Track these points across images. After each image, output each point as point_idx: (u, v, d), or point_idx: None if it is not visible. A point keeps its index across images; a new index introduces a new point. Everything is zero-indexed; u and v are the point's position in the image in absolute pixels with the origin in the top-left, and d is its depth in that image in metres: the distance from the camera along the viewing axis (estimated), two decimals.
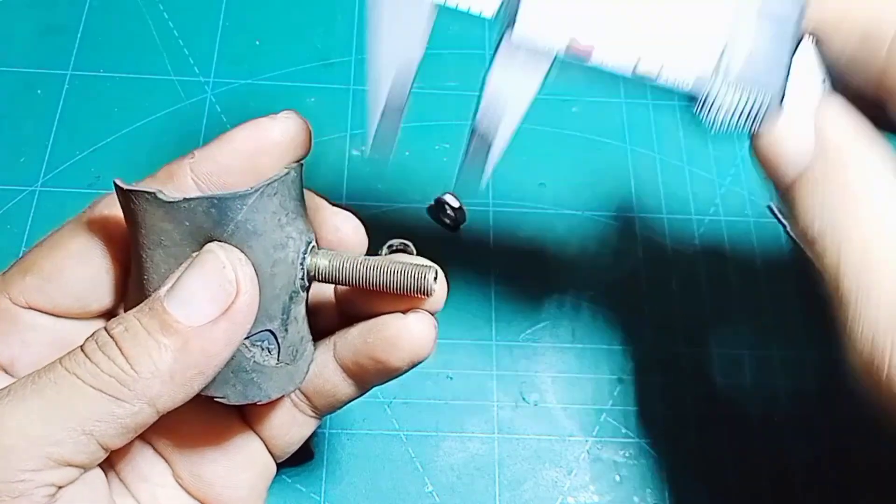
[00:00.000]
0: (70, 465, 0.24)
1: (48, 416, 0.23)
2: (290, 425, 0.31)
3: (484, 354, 0.44)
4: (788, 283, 0.47)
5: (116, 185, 0.27)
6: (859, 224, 0.24)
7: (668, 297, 0.46)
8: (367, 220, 0.47)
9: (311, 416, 0.32)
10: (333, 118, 0.50)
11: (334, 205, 0.32)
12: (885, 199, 0.24)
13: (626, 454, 0.42)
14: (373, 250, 0.46)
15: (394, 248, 0.46)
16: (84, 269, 0.29)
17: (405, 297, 0.29)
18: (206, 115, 0.50)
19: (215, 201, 0.26)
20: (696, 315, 0.46)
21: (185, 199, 0.26)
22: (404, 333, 0.29)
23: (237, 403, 0.28)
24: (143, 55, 0.52)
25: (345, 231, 0.30)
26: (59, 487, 0.24)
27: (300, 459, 0.40)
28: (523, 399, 0.43)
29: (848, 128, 0.24)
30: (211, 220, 0.26)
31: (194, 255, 0.26)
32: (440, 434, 0.42)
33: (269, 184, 0.27)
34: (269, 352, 0.28)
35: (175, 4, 0.54)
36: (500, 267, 0.46)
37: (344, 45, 0.53)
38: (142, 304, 0.25)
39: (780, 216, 0.49)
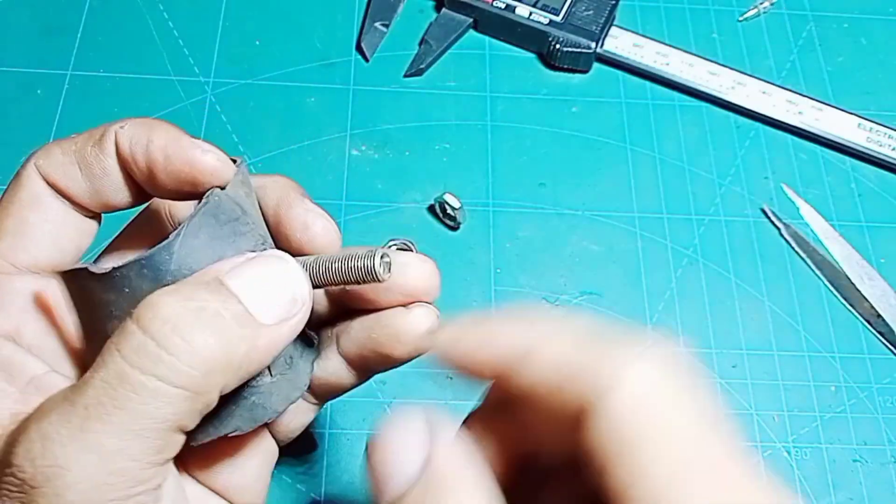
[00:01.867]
0: (168, 461, 0.24)
1: (142, 430, 0.22)
2: (293, 413, 0.31)
3: None
4: (788, 283, 0.47)
5: (55, 272, 0.27)
6: None
7: (668, 296, 0.46)
8: (367, 219, 0.47)
9: (313, 404, 0.32)
10: (333, 118, 0.50)
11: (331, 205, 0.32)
12: None
13: None
14: None
15: (394, 247, 0.46)
16: (46, 212, 0.28)
17: (390, 291, 0.29)
18: (206, 115, 0.50)
19: (143, 262, 0.25)
20: (696, 314, 0.46)
21: (113, 268, 0.25)
22: (409, 328, 0.29)
23: (251, 429, 0.28)
24: (143, 55, 0.52)
25: (314, 230, 0.29)
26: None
27: (303, 451, 0.40)
28: None
29: (458, 457, 0.23)
30: (147, 281, 0.25)
31: (259, 253, 0.26)
32: None
33: (188, 224, 0.26)
34: (260, 371, 0.27)
35: (175, 4, 0.54)
36: (500, 267, 0.46)
37: (344, 45, 0.53)
38: (203, 284, 0.24)
39: (773, 218, 0.49)
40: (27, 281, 0.28)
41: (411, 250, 0.46)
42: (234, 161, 0.28)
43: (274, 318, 0.25)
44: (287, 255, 0.26)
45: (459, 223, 0.47)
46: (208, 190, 0.27)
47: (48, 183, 0.28)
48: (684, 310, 0.46)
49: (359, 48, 0.53)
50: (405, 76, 0.52)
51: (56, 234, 0.28)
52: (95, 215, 0.29)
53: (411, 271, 0.29)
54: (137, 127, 0.27)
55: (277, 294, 0.25)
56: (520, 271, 0.46)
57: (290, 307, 0.25)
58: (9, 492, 0.22)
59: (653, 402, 0.21)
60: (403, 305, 0.29)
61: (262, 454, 0.31)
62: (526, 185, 0.49)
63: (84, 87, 0.50)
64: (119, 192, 0.28)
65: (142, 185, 0.28)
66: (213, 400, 0.24)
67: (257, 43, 0.53)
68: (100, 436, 0.22)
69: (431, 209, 0.48)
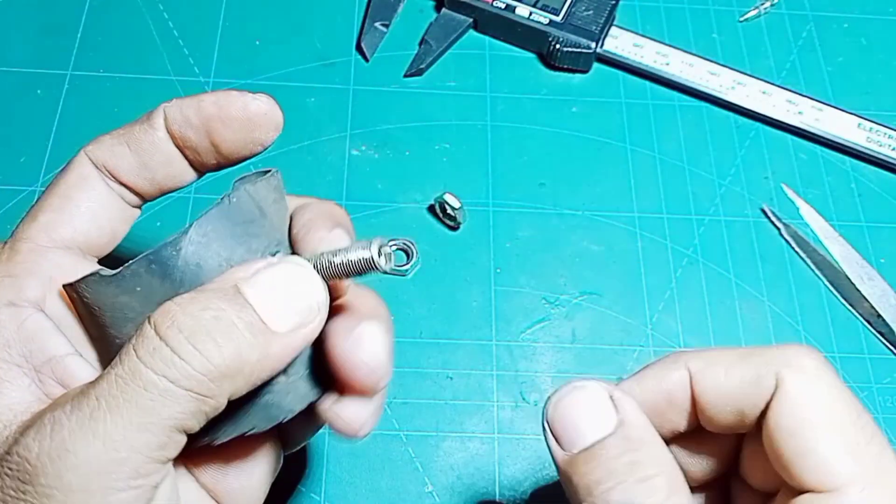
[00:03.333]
0: (168, 461, 0.24)
1: (148, 424, 0.23)
2: (303, 423, 0.31)
3: (484, 354, 0.44)
4: (788, 283, 0.47)
5: (63, 286, 0.27)
6: (644, 498, 0.25)
7: (668, 296, 0.46)
8: (367, 219, 0.47)
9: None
10: (333, 118, 0.50)
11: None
12: (667, 484, 0.25)
13: None
14: None
15: (394, 247, 0.46)
16: (90, 192, 0.29)
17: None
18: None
19: (151, 257, 0.26)
20: (696, 314, 0.46)
21: (124, 267, 0.26)
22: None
23: (268, 429, 0.28)
24: (143, 55, 0.52)
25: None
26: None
27: (303, 451, 0.41)
28: (523, 399, 0.43)
29: (642, 415, 0.27)
30: (158, 277, 0.26)
31: (279, 260, 0.26)
32: (440, 434, 0.42)
33: (197, 220, 0.26)
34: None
35: (175, 4, 0.54)
36: (500, 267, 0.46)
37: (344, 45, 0.53)
38: (221, 293, 0.25)
39: (773, 218, 0.49)
40: (61, 256, 0.28)
41: (411, 250, 0.46)
42: (269, 171, 0.29)
43: (288, 325, 0.25)
44: (306, 262, 0.27)
45: (459, 223, 0.47)
46: (260, 150, 0.29)
47: (96, 165, 0.29)
48: (684, 310, 0.46)
49: (359, 48, 0.53)
50: (405, 76, 0.52)
51: (96, 214, 0.29)
52: (138, 205, 0.31)
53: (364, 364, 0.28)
54: (185, 98, 0.29)
55: (294, 302, 0.26)
56: (520, 271, 0.46)
57: (307, 315, 0.26)
58: (10, 471, 0.23)
59: (820, 387, 0.26)
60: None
61: (269, 461, 0.31)
62: (526, 185, 0.49)
63: (84, 87, 0.50)
64: (169, 166, 0.30)
65: (194, 154, 0.30)
66: (222, 404, 0.24)
67: (257, 43, 0.53)
68: (107, 425, 0.23)
69: (431, 209, 0.48)
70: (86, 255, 0.29)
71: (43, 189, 0.46)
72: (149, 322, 0.24)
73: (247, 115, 0.28)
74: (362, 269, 0.27)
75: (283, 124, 0.29)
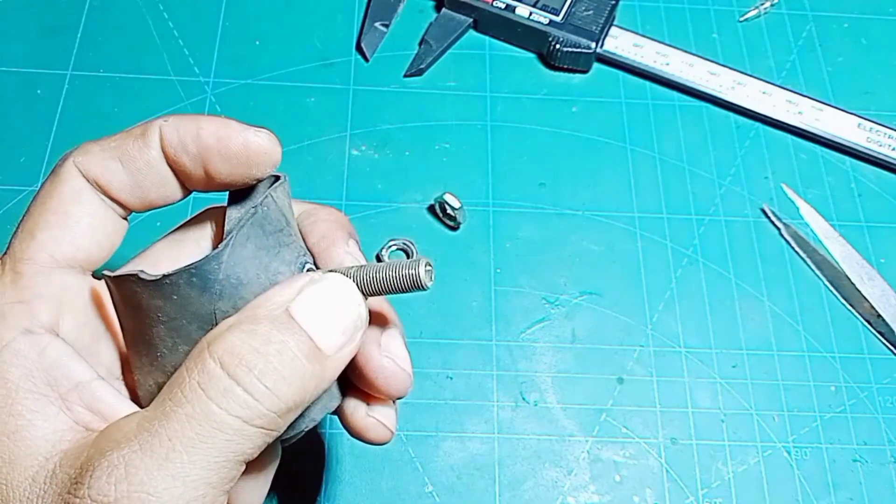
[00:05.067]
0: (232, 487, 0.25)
1: (224, 462, 0.24)
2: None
3: (484, 354, 0.44)
4: (788, 283, 0.47)
5: (104, 275, 0.27)
6: None
7: (668, 296, 0.46)
8: (367, 219, 0.47)
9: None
10: (333, 118, 0.50)
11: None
12: None
13: (626, 454, 0.42)
14: (374, 250, 0.46)
15: (394, 247, 0.46)
16: (86, 207, 0.28)
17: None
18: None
19: (192, 270, 0.26)
20: (696, 314, 0.46)
21: (164, 275, 0.26)
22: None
23: (294, 439, 0.29)
24: (143, 55, 0.52)
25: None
26: None
27: (303, 451, 0.40)
28: (523, 399, 0.43)
29: None
30: (196, 289, 0.26)
31: (316, 276, 0.27)
32: (440, 434, 0.42)
33: (236, 234, 0.26)
34: None
35: (175, 4, 0.54)
36: (500, 267, 0.46)
37: (344, 45, 0.53)
38: (276, 322, 0.25)
39: (773, 218, 0.49)
40: (66, 275, 0.28)
41: (411, 250, 0.46)
42: (279, 177, 0.29)
43: (337, 345, 0.26)
44: (347, 280, 0.27)
45: (459, 223, 0.47)
46: (256, 182, 0.28)
47: (87, 179, 0.28)
48: (684, 310, 0.46)
49: (359, 48, 0.53)
50: (405, 76, 0.52)
51: (95, 229, 0.29)
52: (126, 216, 0.30)
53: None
54: (183, 119, 0.28)
55: (340, 321, 0.26)
56: (520, 271, 0.46)
57: (352, 333, 0.26)
58: None
59: None
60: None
61: (272, 457, 0.31)
62: (526, 185, 0.49)
63: (84, 87, 0.50)
64: (161, 186, 0.29)
65: (186, 178, 0.29)
66: (282, 433, 0.25)
67: (257, 43, 0.53)
68: (185, 466, 0.23)
69: (431, 209, 0.48)
70: (86, 272, 0.29)
71: None
72: (211, 357, 0.24)
73: (246, 153, 0.27)
74: (406, 288, 0.27)
75: (282, 159, 0.29)
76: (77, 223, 0.28)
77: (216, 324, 0.26)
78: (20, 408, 0.25)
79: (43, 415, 0.25)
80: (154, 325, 0.27)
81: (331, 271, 0.28)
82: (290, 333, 0.25)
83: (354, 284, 0.27)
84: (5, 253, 0.28)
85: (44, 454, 0.25)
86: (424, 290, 0.27)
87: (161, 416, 0.24)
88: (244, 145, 0.27)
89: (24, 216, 0.28)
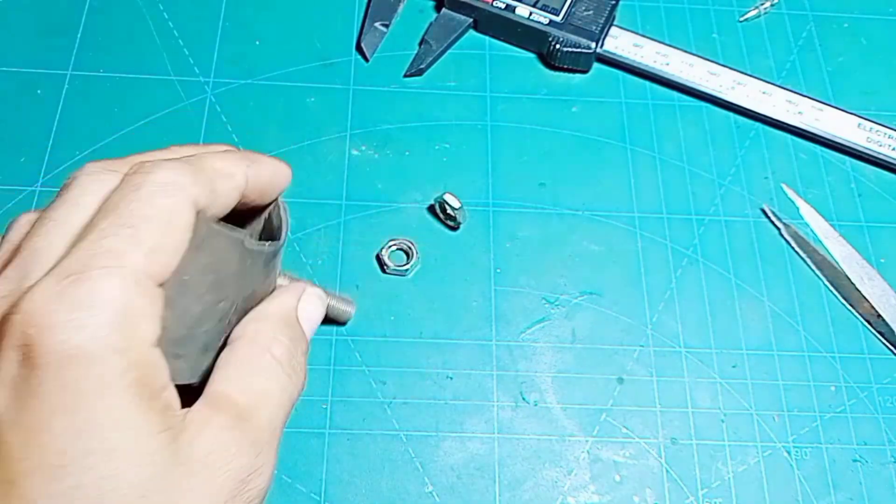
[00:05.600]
0: None
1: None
2: None
3: (484, 354, 0.44)
4: (788, 283, 0.47)
5: (202, 215, 0.28)
6: None
7: (668, 296, 0.46)
8: (367, 219, 0.47)
9: None
10: (333, 118, 0.50)
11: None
12: None
13: (626, 454, 0.42)
14: (374, 250, 0.46)
15: (394, 247, 0.46)
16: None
17: None
18: (206, 115, 0.50)
19: (276, 250, 0.31)
20: (696, 314, 0.46)
21: (260, 244, 0.30)
22: None
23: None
24: (143, 55, 0.52)
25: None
26: None
27: (303, 451, 0.40)
28: (523, 399, 0.43)
29: None
30: (262, 264, 0.31)
31: (313, 290, 0.33)
32: (440, 434, 0.42)
33: (283, 240, 0.32)
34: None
35: (175, 4, 0.54)
36: (500, 267, 0.46)
37: (344, 45, 0.53)
38: (292, 326, 0.31)
39: (773, 218, 0.49)
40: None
41: (411, 250, 0.46)
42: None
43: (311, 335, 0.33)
44: (320, 291, 0.34)
45: (459, 223, 0.47)
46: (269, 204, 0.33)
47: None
48: (684, 310, 0.46)
49: (359, 48, 0.53)
50: (405, 76, 0.52)
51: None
52: None
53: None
54: (258, 162, 0.31)
55: (318, 321, 0.34)
56: (520, 271, 0.46)
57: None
58: None
59: None
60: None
61: None
62: (526, 185, 0.49)
63: (84, 87, 0.50)
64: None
65: None
66: None
67: (257, 43, 0.53)
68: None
69: (431, 209, 0.48)
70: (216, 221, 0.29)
71: (43, 189, 0.47)
72: (276, 347, 0.30)
73: (273, 180, 0.32)
74: (336, 318, 0.42)
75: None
76: (178, 250, 0.27)
77: (246, 299, 0.30)
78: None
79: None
80: (205, 274, 0.28)
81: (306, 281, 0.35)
82: (302, 338, 0.31)
83: (324, 295, 0.34)
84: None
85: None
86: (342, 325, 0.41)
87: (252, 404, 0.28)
88: (273, 172, 0.31)
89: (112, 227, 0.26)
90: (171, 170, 0.27)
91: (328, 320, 0.44)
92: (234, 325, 0.31)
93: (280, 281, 0.35)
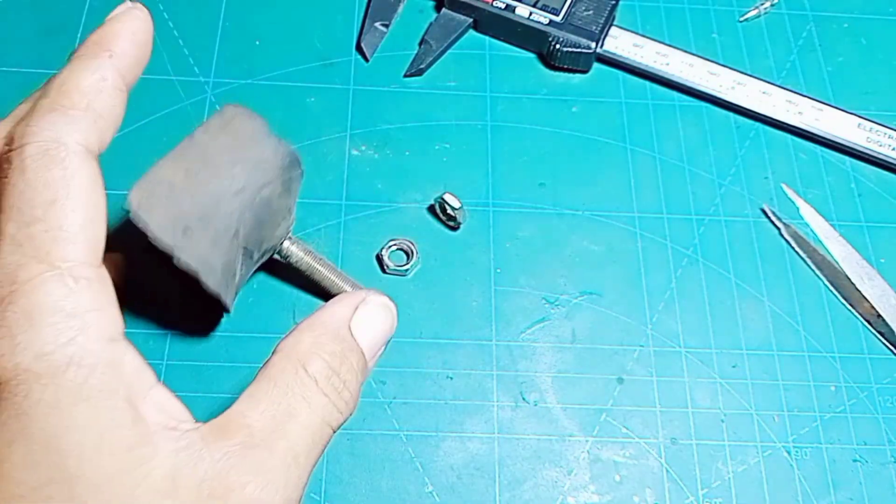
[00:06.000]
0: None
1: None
2: None
3: (484, 354, 0.44)
4: (788, 283, 0.47)
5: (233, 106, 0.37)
6: None
7: (668, 296, 0.46)
8: (367, 219, 0.47)
9: None
10: (333, 118, 0.50)
11: None
12: None
13: (626, 454, 0.42)
14: (374, 250, 0.46)
15: (394, 247, 0.46)
16: (101, 188, 0.27)
17: None
18: (206, 116, 0.50)
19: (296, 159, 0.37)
20: (696, 314, 0.46)
21: (287, 146, 0.36)
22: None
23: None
24: None
25: None
26: None
27: None
28: (523, 399, 0.43)
29: None
30: (288, 174, 0.36)
31: (371, 296, 0.31)
32: (440, 434, 0.42)
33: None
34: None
35: (175, 4, 0.54)
36: (500, 267, 0.46)
37: (344, 45, 0.53)
38: (341, 342, 0.28)
39: (773, 218, 0.49)
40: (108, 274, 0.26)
41: (411, 250, 0.46)
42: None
43: (376, 355, 0.31)
44: (389, 302, 0.31)
45: (459, 223, 0.47)
46: None
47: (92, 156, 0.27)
48: (684, 310, 0.46)
49: (359, 48, 0.53)
50: (405, 76, 0.52)
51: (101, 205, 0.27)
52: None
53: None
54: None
55: (383, 336, 0.31)
56: (520, 271, 0.46)
57: (385, 342, 0.31)
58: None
59: None
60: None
61: None
62: (526, 185, 0.49)
63: None
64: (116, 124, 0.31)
65: None
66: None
67: (257, 43, 0.53)
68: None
69: (431, 209, 0.48)
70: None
71: None
72: (309, 376, 0.27)
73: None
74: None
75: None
76: (101, 212, 0.26)
77: (264, 205, 0.34)
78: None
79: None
80: (222, 153, 0.34)
81: (297, 240, 0.39)
82: (353, 353, 0.28)
83: (393, 305, 0.31)
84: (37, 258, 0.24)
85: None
86: None
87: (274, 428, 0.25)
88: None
89: (35, 217, 0.24)
90: (44, 130, 0.25)
91: None
92: (254, 253, 0.36)
93: (342, 286, 0.38)
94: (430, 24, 0.53)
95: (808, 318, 0.46)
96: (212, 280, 0.34)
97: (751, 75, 0.52)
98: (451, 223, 0.47)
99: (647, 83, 0.53)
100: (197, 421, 0.25)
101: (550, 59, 0.53)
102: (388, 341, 0.31)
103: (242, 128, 0.36)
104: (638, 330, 0.45)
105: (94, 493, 0.22)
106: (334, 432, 0.28)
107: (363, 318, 0.29)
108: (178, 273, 0.34)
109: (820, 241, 0.47)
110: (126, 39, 0.29)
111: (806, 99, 0.52)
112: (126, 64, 0.28)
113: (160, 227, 0.33)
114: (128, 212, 0.35)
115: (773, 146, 0.51)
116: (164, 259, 0.34)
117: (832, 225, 0.47)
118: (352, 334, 0.28)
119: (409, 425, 0.42)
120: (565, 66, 0.53)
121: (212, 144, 0.35)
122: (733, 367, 0.44)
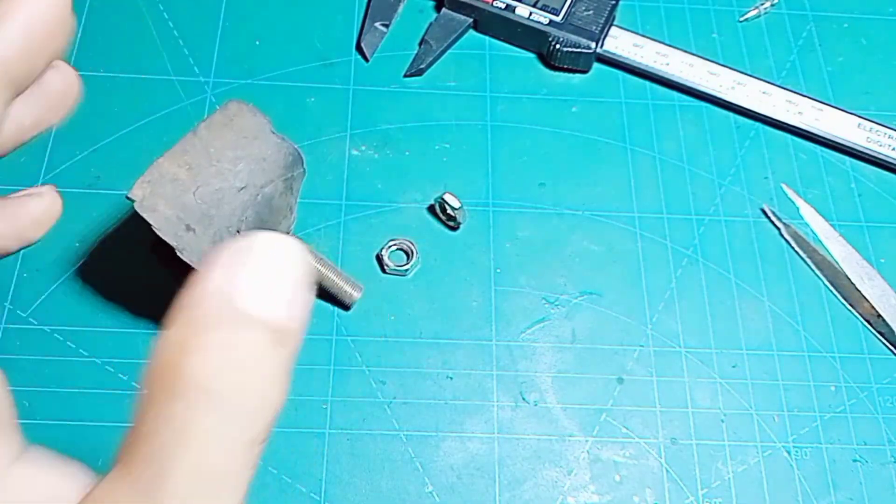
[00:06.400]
0: None
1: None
2: None
3: (484, 354, 0.44)
4: (788, 283, 0.47)
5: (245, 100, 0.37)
6: None
7: (668, 296, 0.46)
8: (367, 219, 0.47)
9: None
10: (333, 118, 0.50)
11: None
12: None
13: (626, 454, 0.42)
14: (374, 250, 0.46)
15: (394, 247, 0.46)
16: None
17: None
18: (205, 116, 0.50)
19: (298, 154, 0.38)
20: (696, 314, 0.46)
21: (290, 144, 0.37)
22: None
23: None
24: (143, 55, 0.52)
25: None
26: None
27: (303, 451, 0.40)
28: (523, 399, 0.43)
29: None
30: (290, 169, 0.37)
31: (244, 242, 0.21)
32: (440, 434, 0.42)
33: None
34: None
35: (175, 4, 0.54)
36: (500, 267, 0.46)
37: (344, 45, 0.53)
38: (223, 327, 0.19)
39: (773, 218, 0.49)
40: None
41: (411, 250, 0.46)
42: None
43: (298, 315, 0.20)
44: (274, 235, 0.20)
45: (459, 223, 0.47)
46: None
47: None
48: (684, 310, 0.46)
49: (359, 48, 0.53)
50: (405, 76, 0.52)
51: None
52: None
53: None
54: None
55: (291, 290, 0.19)
56: (520, 271, 0.46)
57: (306, 290, 0.20)
58: None
59: None
60: None
61: None
62: (526, 185, 0.49)
63: (84, 87, 0.50)
64: None
65: None
66: None
67: (257, 43, 0.53)
68: None
69: (431, 209, 0.48)
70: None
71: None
72: (184, 398, 0.18)
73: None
74: (336, 296, 0.42)
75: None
76: None
77: (266, 199, 0.35)
78: None
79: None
80: (228, 149, 0.35)
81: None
82: (246, 330, 0.18)
83: (280, 235, 0.20)
84: None
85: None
86: (346, 310, 0.40)
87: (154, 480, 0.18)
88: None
89: None
90: None
91: (331, 300, 0.44)
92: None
93: (342, 286, 0.42)
94: (430, 24, 0.53)
95: (808, 318, 0.46)
96: None
97: (751, 75, 0.52)
98: (451, 223, 0.47)
99: (647, 83, 0.53)
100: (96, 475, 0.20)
101: (550, 59, 0.53)
102: (310, 282, 0.20)
103: (245, 124, 0.36)
104: (638, 330, 0.45)
105: None
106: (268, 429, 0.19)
107: (244, 279, 0.19)
108: (179, 265, 0.34)
109: (820, 241, 0.47)
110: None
111: (806, 99, 0.52)
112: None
113: (163, 223, 0.33)
114: (132, 201, 0.35)
115: (773, 146, 0.51)
116: (167, 249, 0.34)
117: (832, 225, 0.47)
118: (237, 309, 0.19)
119: (409, 425, 0.42)
120: (565, 66, 0.53)
121: (215, 140, 0.35)
122: (733, 367, 0.44)
